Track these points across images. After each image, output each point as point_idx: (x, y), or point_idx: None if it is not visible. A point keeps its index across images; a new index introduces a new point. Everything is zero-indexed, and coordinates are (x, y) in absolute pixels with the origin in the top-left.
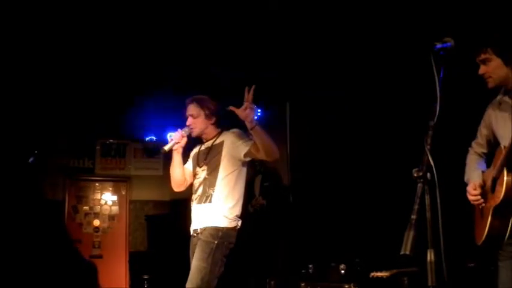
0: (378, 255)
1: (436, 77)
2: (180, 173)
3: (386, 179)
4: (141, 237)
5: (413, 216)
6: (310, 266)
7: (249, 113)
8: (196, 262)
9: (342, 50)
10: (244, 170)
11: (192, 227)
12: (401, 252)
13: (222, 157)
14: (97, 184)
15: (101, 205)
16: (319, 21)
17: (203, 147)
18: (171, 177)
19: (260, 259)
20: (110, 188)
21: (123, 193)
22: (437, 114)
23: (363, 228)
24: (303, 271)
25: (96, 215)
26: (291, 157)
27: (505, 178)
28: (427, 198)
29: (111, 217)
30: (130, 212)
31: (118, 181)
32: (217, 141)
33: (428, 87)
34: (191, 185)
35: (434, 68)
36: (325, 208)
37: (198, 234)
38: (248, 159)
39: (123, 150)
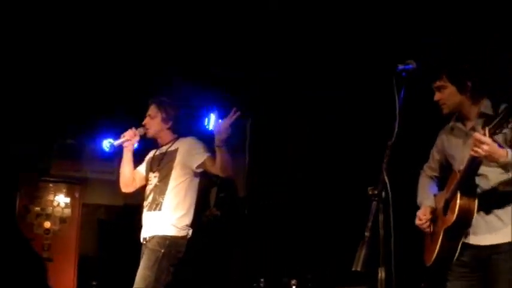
0: (330, 271)
1: (397, 98)
2: (129, 171)
3: (343, 196)
4: (92, 241)
5: (367, 234)
6: (262, 280)
7: (227, 130)
8: (142, 271)
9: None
10: (197, 179)
11: (142, 235)
12: (353, 269)
13: (175, 165)
14: (51, 185)
15: (54, 207)
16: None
17: (158, 152)
18: (121, 175)
19: (212, 270)
20: (64, 190)
21: (77, 196)
22: (395, 133)
23: (316, 244)
24: (254, 285)
25: (48, 217)
26: (249, 169)
27: (458, 201)
28: (380, 216)
29: (63, 220)
30: (83, 215)
31: (72, 183)
32: (172, 147)
33: (390, 107)
34: (143, 189)
35: (395, 88)
36: (280, 222)
37: (146, 242)
38: (200, 170)
39: (80, 152)
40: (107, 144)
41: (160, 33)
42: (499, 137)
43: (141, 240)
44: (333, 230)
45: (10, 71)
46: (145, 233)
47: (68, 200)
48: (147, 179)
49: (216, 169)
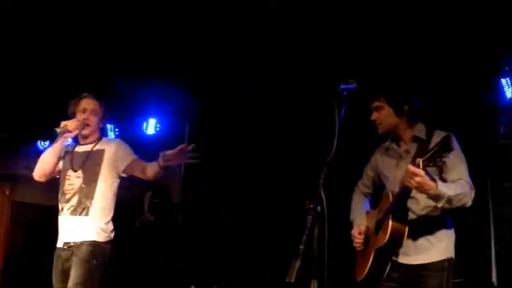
0: (260, 280)
1: (336, 116)
2: (55, 162)
3: (277, 208)
4: (20, 241)
5: (301, 246)
6: (192, 287)
7: (178, 159)
8: (75, 285)
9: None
10: (119, 182)
11: (63, 239)
12: (286, 280)
13: (102, 167)
14: None
15: None
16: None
17: (80, 149)
18: (43, 163)
19: (143, 276)
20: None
21: (7, 193)
22: (333, 150)
23: (249, 254)
24: None
25: None
26: (184, 175)
27: (390, 224)
28: (315, 230)
29: None
30: (12, 213)
31: (2, 180)
32: (97, 147)
33: (330, 125)
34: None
35: (335, 106)
36: (214, 229)
37: (70, 247)
38: (125, 174)
39: (12, 148)
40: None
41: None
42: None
43: (61, 244)
44: (268, 241)
45: None
46: (69, 237)
47: None
48: (64, 176)
49: (142, 175)
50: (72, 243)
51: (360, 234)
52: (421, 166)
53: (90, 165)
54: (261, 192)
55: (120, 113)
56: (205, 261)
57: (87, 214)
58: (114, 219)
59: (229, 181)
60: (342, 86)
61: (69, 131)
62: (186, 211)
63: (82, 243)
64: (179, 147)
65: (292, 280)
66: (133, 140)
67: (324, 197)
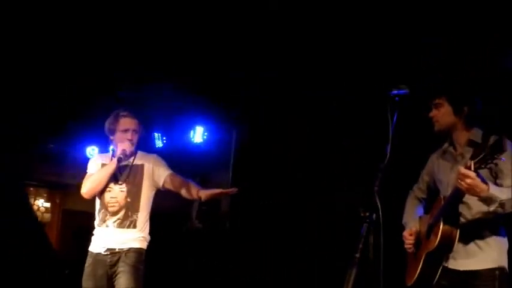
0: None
1: (390, 121)
2: (106, 183)
3: (331, 216)
4: (71, 247)
5: (357, 255)
6: None
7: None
8: None
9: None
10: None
11: (105, 246)
12: None
13: (144, 181)
14: (32, 189)
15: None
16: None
17: (121, 163)
18: (96, 185)
19: (193, 282)
20: (45, 195)
21: (57, 201)
22: (388, 157)
23: (300, 262)
24: None
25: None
26: (233, 183)
27: (441, 227)
28: (370, 238)
29: (43, 224)
30: (62, 221)
31: (53, 188)
32: (136, 162)
33: (382, 131)
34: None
35: (388, 112)
36: (263, 237)
37: (116, 253)
38: (163, 189)
39: (62, 157)
40: (90, 151)
41: (156, 37)
42: (485, 170)
43: (102, 250)
44: (319, 249)
45: None
46: (114, 244)
47: (48, 204)
48: (106, 187)
49: (186, 194)
50: (117, 249)
51: (411, 235)
52: (472, 168)
53: (132, 179)
54: (313, 201)
55: (167, 122)
56: (256, 268)
57: (134, 227)
58: (163, 227)
59: (278, 187)
60: (394, 92)
61: (127, 155)
62: (235, 218)
63: (129, 249)
64: (224, 191)
65: None
66: (180, 148)
67: (379, 205)
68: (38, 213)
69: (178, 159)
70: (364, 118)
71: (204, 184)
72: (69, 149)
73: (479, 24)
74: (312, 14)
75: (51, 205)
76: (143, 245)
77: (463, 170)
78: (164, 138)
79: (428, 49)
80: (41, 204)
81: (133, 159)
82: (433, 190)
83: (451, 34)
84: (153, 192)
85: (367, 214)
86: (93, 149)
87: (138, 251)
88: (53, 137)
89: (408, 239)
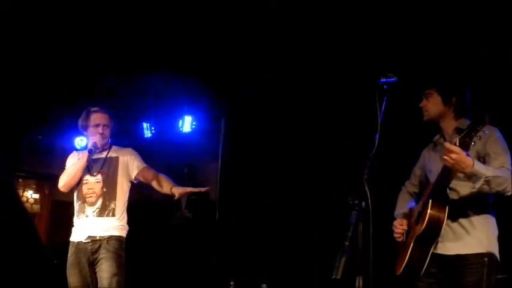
0: (302, 278)
1: (378, 110)
2: (80, 176)
3: (319, 204)
4: (61, 239)
5: (346, 243)
6: (232, 283)
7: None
8: (112, 277)
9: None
10: (130, 186)
11: (87, 234)
12: (332, 277)
13: (119, 172)
14: (20, 180)
15: (22, 202)
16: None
17: (94, 156)
18: (71, 177)
19: (182, 271)
20: (33, 186)
21: (46, 192)
22: (376, 145)
23: (291, 249)
24: None
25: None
26: (221, 173)
27: (429, 211)
28: (360, 226)
29: (31, 215)
30: (52, 212)
31: (42, 179)
32: (111, 154)
33: (370, 119)
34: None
35: (377, 101)
36: (251, 226)
37: (97, 241)
38: (135, 181)
39: (51, 148)
40: (78, 141)
41: (156, 33)
42: (473, 152)
43: (83, 238)
44: (307, 238)
45: None
46: (95, 232)
47: (37, 196)
48: (80, 180)
49: (158, 187)
50: (98, 237)
51: (401, 225)
52: (457, 143)
53: (107, 170)
54: (301, 189)
55: (155, 112)
56: (246, 256)
57: (113, 215)
58: (152, 216)
59: (266, 176)
60: (383, 80)
61: (97, 147)
62: (224, 208)
63: (110, 237)
64: (197, 190)
65: (338, 276)
66: (169, 137)
67: (368, 192)
68: (27, 205)
69: (167, 149)
70: (364, 118)
71: (192, 174)
72: (57, 140)
73: (479, 24)
74: (312, 14)
75: (40, 196)
76: (123, 233)
77: (447, 145)
78: (153, 128)
79: (428, 49)
80: (29, 195)
81: (108, 152)
82: (425, 184)
83: (451, 34)
84: (128, 184)
85: (356, 202)
86: (81, 140)
87: (118, 238)
88: (41, 128)
89: (398, 228)
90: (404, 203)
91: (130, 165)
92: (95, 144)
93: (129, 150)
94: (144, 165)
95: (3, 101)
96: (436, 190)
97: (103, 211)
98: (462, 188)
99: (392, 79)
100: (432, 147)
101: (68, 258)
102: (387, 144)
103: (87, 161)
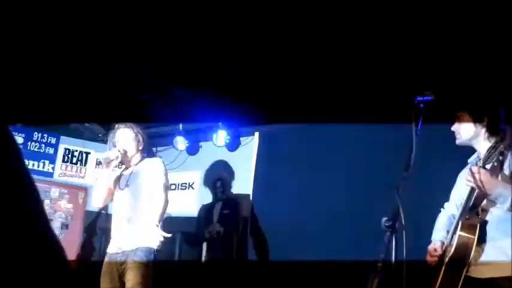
0: None
1: (414, 129)
2: (109, 191)
3: (351, 224)
4: (93, 248)
5: (379, 264)
6: None
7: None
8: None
9: None
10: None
11: (117, 245)
12: None
13: (144, 184)
14: (54, 189)
15: (55, 212)
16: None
17: (125, 171)
18: (99, 193)
19: (211, 282)
20: (67, 196)
21: (80, 202)
22: (411, 165)
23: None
24: None
25: (50, 222)
26: (254, 188)
27: (458, 232)
28: (393, 247)
29: (65, 225)
30: (85, 222)
31: (76, 189)
32: (138, 167)
33: (405, 138)
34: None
35: (413, 120)
36: (283, 242)
37: (125, 252)
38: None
39: (85, 158)
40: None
41: (157, 39)
42: (506, 172)
43: (114, 250)
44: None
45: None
46: (123, 244)
47: (70, 205)
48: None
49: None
50: (127, 249)
51: (435, 250)
52: (480, 164)
53: (133, 183)
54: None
55: (190, 125)
56: (277, 275)
57: (139, 226)
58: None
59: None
60: (419, 98)
61: (111, 160)
62: (257, 223)
63: (137, 249)
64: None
65: None
66: (202, 151)
67: (401, 213)
68: (60, 214)
69: (201, 163)
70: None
71: (225, 188)
72: (92, 150)
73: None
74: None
75: (74, 206)
76: (151, 244)
77: (473, 168)
78: (187, 141)
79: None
80: (63, 205)
81: (136, 166)
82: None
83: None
84: (158, 193)
85: (390, 223)
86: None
87: (146, 249)
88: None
89: (432, 253)
90: (440, 225)
91: (154, 175)
92: (107, 158)
93: (156, 160)
94: (163, 182)
95: (37, 109)
96: (465, 212)
97: (130, 222)
98: (494, 209)
99: (429, 97)
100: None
101: (103, 266)
102: (422, 163)
103: (108, 176)
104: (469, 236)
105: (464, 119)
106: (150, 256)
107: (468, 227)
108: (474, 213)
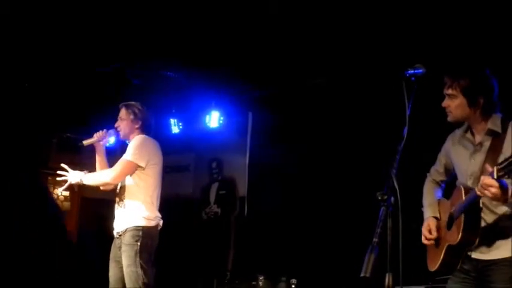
0: (331, 276)
1: (406, 102)
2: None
3: (347, 200)
4: (91, 235)
5: (375, 239)
6: (261, 277)
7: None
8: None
9: None
10: (139, 173)
11: (115, 229)
12: (362, 275)
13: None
14: (50, 178)
15: None
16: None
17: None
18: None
19: (211, 266)
20: (63, 183)
21: (76, 189)
22: (404, 138)
23: (319, 245)
24: (253, 283)
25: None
26: (250, 167)
27: (462, 225)
28: (389, 221)
29: (63, 212)
30: (82, 209)
31: None
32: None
33: (397, 112)
34: None
35: (404, 93)
36: (281, 221)
37: (120, 236)
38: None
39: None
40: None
41: (160, 34)
42: None
43: (114, 234)
44: (338, 233)
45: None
46: (118, 227)
47: (67, 193)
48: None
49: None
50: (120, 232)
51: (431, 233)
52: (495, 176)
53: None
54: (328, 185)
55: (182, 107)
56: (273, 252)
57: (124, 206)
58: (180, 211)
59: (295, 171)
60: (410, 71)
61: (98, 140)
62: (253, 203)
63: (126, 230)
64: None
65: (368, 275)
66: (197, 133)
67: (397, 187)
68: (58, 202)
69: (195, 145)
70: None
71: (220, 169)
72: (86, 137)
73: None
74: (311, 18)
75: (70, 193)
76: (140, 222)
77: (486, 180)
78: (180, 123)
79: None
80: (59, 193)
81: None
82: (452, 173)
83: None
84: (137, 174)
85: (385, 197)
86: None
87: (133, 229)
88: (70, 126)
89: (427, 235)
90: (431, 194)
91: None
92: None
93: (136, 138)
94: (126, 157)
95: (32, 98)
96: (470, 206)
97: (119, 203)
98: (499, 208)
99: (420, 70)
100: (458, 139)
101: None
102: (416, 137)
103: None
104: (473, 232)
105: (457, 99)
106: (138, 234)
107: (473, 226)
108: (477, 211)
